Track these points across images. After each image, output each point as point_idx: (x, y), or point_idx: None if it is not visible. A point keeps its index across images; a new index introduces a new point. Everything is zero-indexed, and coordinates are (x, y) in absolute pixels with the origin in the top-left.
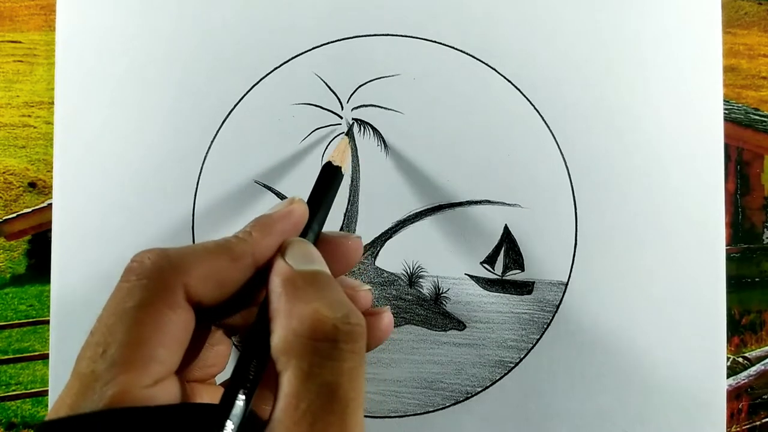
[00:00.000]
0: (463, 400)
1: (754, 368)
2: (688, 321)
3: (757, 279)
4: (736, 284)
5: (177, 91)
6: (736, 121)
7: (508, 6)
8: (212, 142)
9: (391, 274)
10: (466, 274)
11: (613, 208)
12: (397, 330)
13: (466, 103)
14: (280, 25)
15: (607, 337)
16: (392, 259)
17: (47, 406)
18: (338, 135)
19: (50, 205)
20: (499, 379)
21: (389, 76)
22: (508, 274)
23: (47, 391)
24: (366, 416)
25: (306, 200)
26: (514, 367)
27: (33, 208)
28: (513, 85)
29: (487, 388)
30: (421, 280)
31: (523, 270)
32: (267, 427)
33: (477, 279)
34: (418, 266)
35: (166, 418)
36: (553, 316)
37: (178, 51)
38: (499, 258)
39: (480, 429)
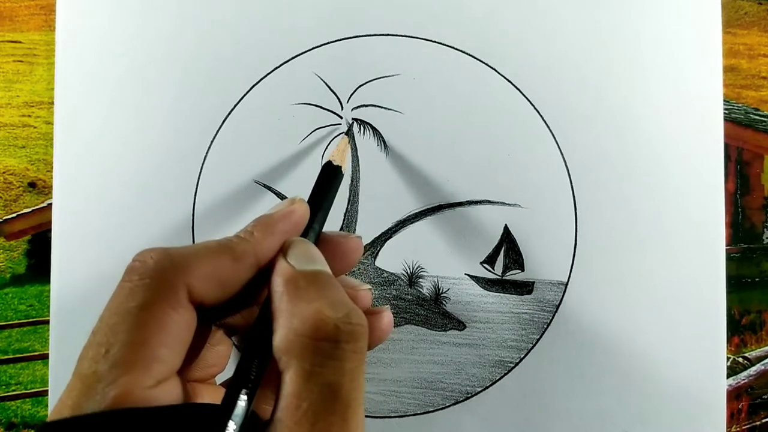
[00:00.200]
0: (463, 400)
1: (754, 368)
2: (688, 321)
3: (757, 279)
4: (736, 284)
5: (177, 91)
6: (736, 121)
7: (508, 6)
8: (212, 142)
9: (391, 274)
10: (466, 274)
11: (613, 208)
12: (397, 330)
13: (466, 103)
14: (280, 25)
15: (607, 337)
16: (392, 259)
17: (47, 406)
18: (338, 135)
19: (50, 205)
20: (499, 379)
21: (389, 76)
22: (508, 274)
23: (47, 391)
24: (366, 416)
25: (306, 200)
26: (514, 367)
27: (33, 208)
28: (513, 85)
29: (487, 388)
30: (421, 280)
31: (523, 270)
32: (268, 426)
33: (477, 279)
34: (418, 266)
35: (168, 419)
36: (553, 316)
37: (178, 51)
38: (499, 258)
39: (480, 429)
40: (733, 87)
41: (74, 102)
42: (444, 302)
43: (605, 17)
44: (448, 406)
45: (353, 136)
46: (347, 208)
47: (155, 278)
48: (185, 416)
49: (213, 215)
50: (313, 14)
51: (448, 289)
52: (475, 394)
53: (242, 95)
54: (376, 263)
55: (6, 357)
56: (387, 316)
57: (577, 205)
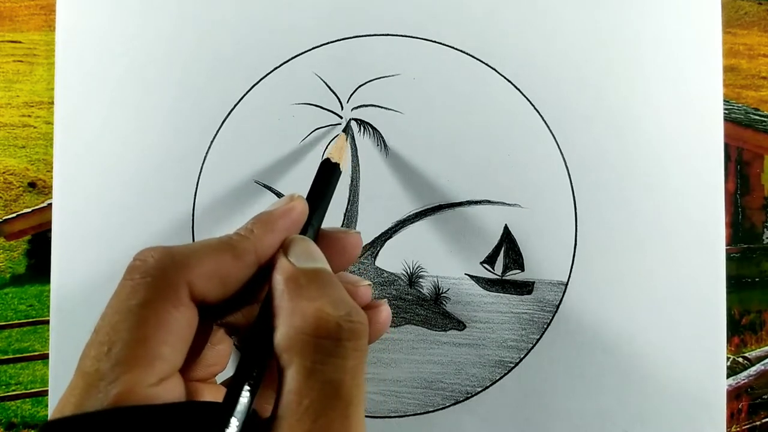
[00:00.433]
0: (463, 400)
1: (754, 368)
2: (688, 321)
3: (757, 279)
4: (736, 284)
5: (177, 91)
6: (736, 121)
7: (508, 6)
8: (212, 142)
9: (391, 274)
10: (466, 274)
11: (613, 208)
12: (397, 330)
13: (466, 103)
14: (280, 25)
15: (607, 337)
16: (392, 259)
17: (47, 406)
18: (337, 134)
19: (50, 205)
20: (499, 379)
21: (389, 76)
22: (508, 274)
23: (47, 391)
24: (366, 416)
25: (305, 197)
26: (514, 367)
27: (33, 208)
28: (513, 85)
29: (487, 388)
30: (421, 280)
31: (523, 270)
32: (269, 424)
33: (477, 279)
34: (418, 266)
35: (171, 417)
36: (553, 316)
37: (178, 51)
38: (499, 258)
39: (480, 429)
40: (733, 87)
41: (74, 102)
42: (444, 302)
43: (605, 17)
44: (448, 406)
45: (352, 135)
46: (347, 208)
47: (156, 276)
48: (187, 414)
49: (213, 215)
50: (313, 14)
51: (448, 289)
52: (475, 394)
53: (242, 95)
54: (376, 263)
55: (6, 357)
56: (385, 310)
57: (577, 205)
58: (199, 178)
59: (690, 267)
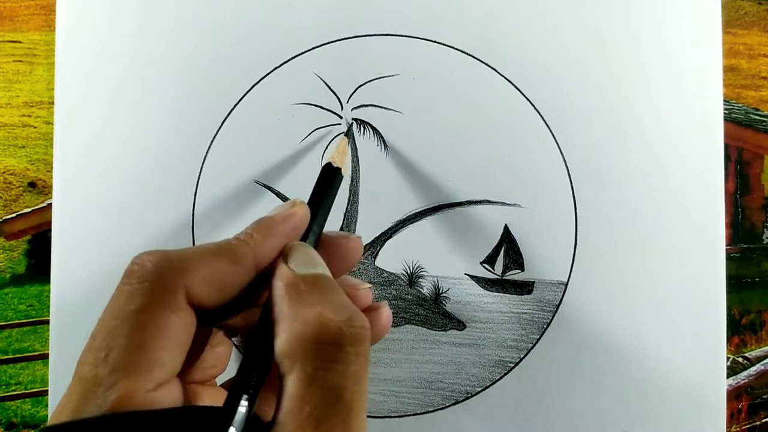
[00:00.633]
0: (463, 400)
1: (754, 368)
2: (688, 321)
3: (757, 279)
4: (736, 284)
5: (177, 91)
6: (736, 121)
7: (508, 6)
8: (212, 142)
9: (391, 274)
10: (466, 274)
11: (613, 208)
12: (397, 330)
13: (466, 103)
14: (280, 25)
15: (607, 337)
16: (392, 259)
17: (47, 406)
18: (338, 135)
19: (50, 205)
20: (499, 379)
21: (389, 76)
22: (508, 274)
23: (47, 391)
24: (366, 416)
25: (306, 202)
26: (514, 367)
27: (33, 208)
28: (513, 85)
29: (487, 388)
30: (421, 280)
31: (523, 270)
32: (271, 428)
33: (477, 279)
34: (418, 266)
35: (169, 422)
36: (553, 316)
37: (178, 51)
38: (499, 258)
39: (480, 429)
40: (733, 87)
41: (74, 102)
42: (444, 302)
43: (605, 17)
44: (448, 406)
45: (353, 137)
46: (347, 208)
47: (154, 281)
48: (186, 419)
49: (213, 215)
50: (313, 14)
51: (448, 289)
52: (475, 394)
53: (242, 95)
54: (376, 263)
55: (6, 357)
56: (385, 312)
57: (577, 205)
58: (199, 178)
59: (690, 267)
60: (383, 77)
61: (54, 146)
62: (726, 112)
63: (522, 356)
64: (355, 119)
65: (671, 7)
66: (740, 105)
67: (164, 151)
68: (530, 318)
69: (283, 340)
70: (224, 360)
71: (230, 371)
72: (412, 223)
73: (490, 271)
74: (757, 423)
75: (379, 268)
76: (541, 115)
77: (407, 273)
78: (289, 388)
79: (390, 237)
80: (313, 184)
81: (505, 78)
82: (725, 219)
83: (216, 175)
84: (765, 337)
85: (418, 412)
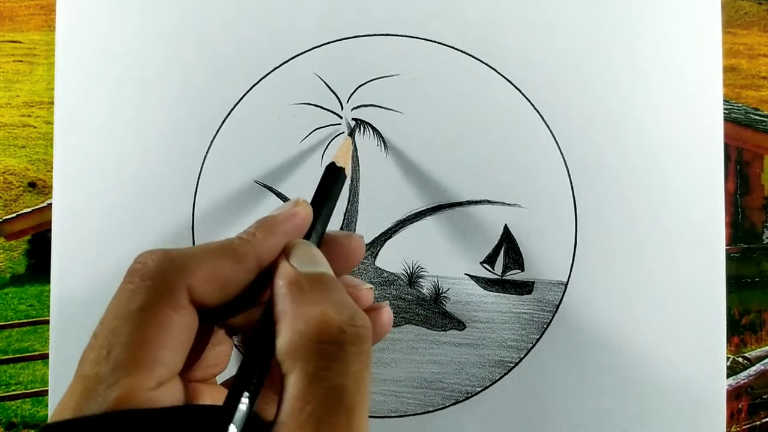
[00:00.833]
0: (463, 400)
1: (754, 368)
2: (688, 321)
3: (757, 279)
4: (736, 284)
5: (177, 91)
6: (736, 121)
7: (507, 6)
8: (212, 142)
9: (391, 274)
10: (466, 274)
11: (613, 208)
12: (397, 330)
13: (466, 103)
14: (280, 25)
15: (607, 337)
16: (392, 259)
17: (47, 406)
18: (339, 134)
19: (50, 205)
20: (499, 379)
21: (389, 76)
22: (508, 274)
23: (47, 391)
24: None
25: (309, 202)
26: (514, 367)
27: (33, 208)
28: (513, 85)
29: (487, 388)
30: (421, 280)
31: (522, 270)
32: (272, 428)
33: (477, 279)
34: (418, 266)
35: (170, 421)
36: (553, 316)
37: (178, 51)
38: (498, 258)
39: (480, 429)
40: (733, 87)
41: (74, 102)
42: (444, 302)
43: (605, 17)
44: (448, 406)
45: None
46: (347, 208)
47: (156, 280)
48: (187, 417)
49: (213, 215)
50: (313, 14)
51: (448, 289)
52: (475, 394)
53: (242, 95)
54: (376, 263)
55: (6, 357)
56: (386, 312)
57: (577, 205)
58: (199, 178)
59: (690, 267)
60: (383, 77)
61: (54, 146)
62: (726, 112)
63: (522, 356)
64: (355, 119)
65: (671, 7)
66: (740, 105)
67: (164, 151)
68: (530, 318)
69: (284, 339)
70: (225, 359)
71: (231, 370)
72: (412, 223)
73: (490, 271)
74: (757, 423)
75: (379, 268)
76: (541, 115)
77: (407, 273)
78: (291, 388)
79: (390, 237)
80: (315, 184)
81: (505, 78)
82: (725, 219)
83: (216, 176)
84: (765, 337)
85: (418, 412)
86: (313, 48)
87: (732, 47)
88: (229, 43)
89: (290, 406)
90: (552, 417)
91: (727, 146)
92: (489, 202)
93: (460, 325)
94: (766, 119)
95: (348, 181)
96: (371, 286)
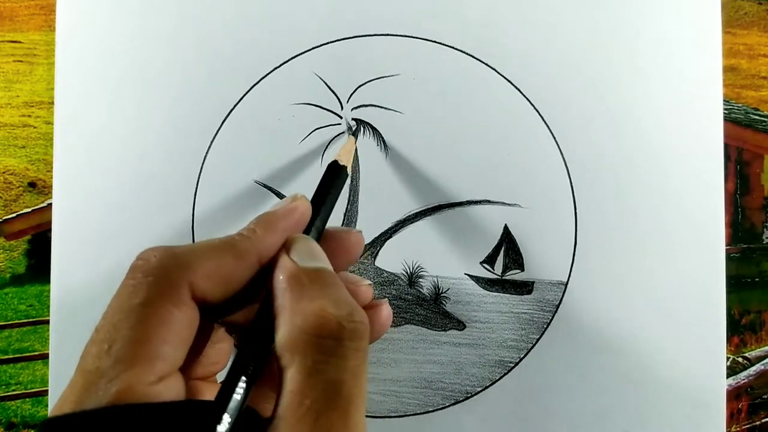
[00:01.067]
0: (463, 400)
1: (754, 368)
2: (688, 321)
3: (757, 279)
4: (736, 284)
5: (177, 91)
6: (736, 121)
7: (507, 6)
8: (212, 142)
9: (391, 273)
10: (466, 274)
11: (613, 208)
12: (397, 330)
13: (466, 103)
14: (280, 25)
15: (607, 337)
16: (392, 259)
17: (47, 406)
18: (339, 134)
19: (50, 205)
20: (499, 379)
21: (389, 76)
22: (507, 274)
23: (47, 391)
24: (366, 416)
25: (310, 198)
26: (513, 367)
27: (33, 208)
28: (513, 85)
29: (487, 388)
30: (421, 280)
31: (522, 270)
32: (270, 423)
33: (477, 279)
34: (418, 266)
35: (170, 415)
36: (552, 316)
37: (178, 51)
38: (498, 258)
39: (480, 429)
40: (733, 87)
41: (74, 102)
42: (444, 302)
43: (605, 17)
44: (448, 406)
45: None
46: (347, 208)
47: (158, 276)
48: (185, 412)
49: (213, 215)
50: (313, 14)
51: (448, 289)
52: (475, 394)
53: (242, 95)
54: (375, 263)
55: (6, 357)
56: (386, 310)
57: (577, 205)
58: (199, 178)
59: (690, 267)
60: (383, 77)
61: (54, 146)
62: (726, 112)
63: (522, 356)
64: (355, 119)
65: (671, 7)
66: (740, 105)
67: (164, 151)
68: (530, 318)
69: (283, 333)
70: (225, 356)
71: None
72: (412, 223)
73: (490, 271)
74: (757, 423)
75: (379, 268)
76: (541, 115)
77: (407, 273)
78: (289, 382)
79: (390, 237)
80: (316, 184)
81: (505, 78)
82: (725, 219)
83: (216, 175)
84: (765, 337)
85: (418, 412)
86: (313, 48)
87: (732, 47)
88: (229, 43)
89: (288, 400)
90: (552, 417)
91: (727, 146)
92: (489, 202)
93: (460, 325)
94: (766, 119)
95: (348, 181)
96: (370, 282)
